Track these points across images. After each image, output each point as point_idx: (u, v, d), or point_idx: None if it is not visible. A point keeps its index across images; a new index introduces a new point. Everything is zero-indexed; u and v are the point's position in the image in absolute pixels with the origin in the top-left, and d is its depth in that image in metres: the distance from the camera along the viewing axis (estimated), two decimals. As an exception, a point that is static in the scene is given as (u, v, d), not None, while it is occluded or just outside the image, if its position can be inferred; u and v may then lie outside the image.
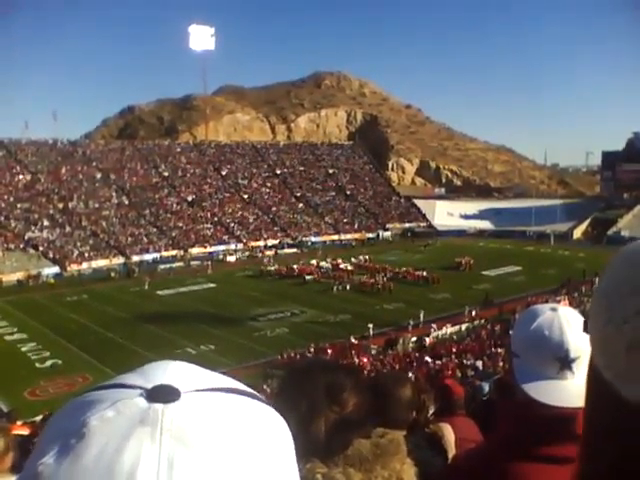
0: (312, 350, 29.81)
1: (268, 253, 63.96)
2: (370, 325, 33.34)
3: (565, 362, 1.51)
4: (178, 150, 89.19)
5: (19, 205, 65.36)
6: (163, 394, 0.57)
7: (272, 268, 53.31)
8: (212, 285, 49.05)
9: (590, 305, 0.66)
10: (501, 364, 21.14)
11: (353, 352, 29.39)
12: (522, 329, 1.61)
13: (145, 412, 0.55)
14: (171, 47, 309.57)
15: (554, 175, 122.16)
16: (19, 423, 8.16)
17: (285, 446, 0.64)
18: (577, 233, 74.35)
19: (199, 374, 0.64)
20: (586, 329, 1.53)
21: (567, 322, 1.55)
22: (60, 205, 67.82)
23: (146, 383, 0.60)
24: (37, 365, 30.30)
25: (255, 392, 0.67)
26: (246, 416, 0.61)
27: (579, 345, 1.49)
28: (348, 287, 45.54)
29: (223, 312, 38.94)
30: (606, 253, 56.19)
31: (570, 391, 1.47)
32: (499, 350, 25.80)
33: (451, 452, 2.40)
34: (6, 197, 66.03)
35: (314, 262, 54.51)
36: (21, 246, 57.97)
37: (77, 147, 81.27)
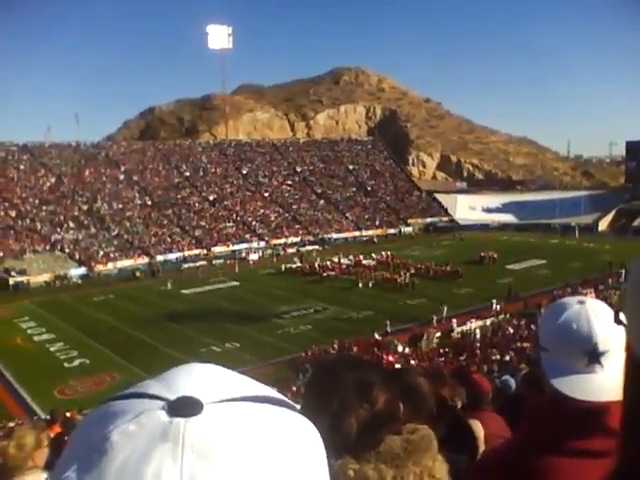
0: (336, 347, 29.84)
1: (290, 251, 64.24)
2: (387, 322, 33.30)
3: (594, 356, 1.49)
4: (199, 150, 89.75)
5: (44, 207, 66.37)
6: (185, 407, 0.55)
7: (295, 265, 53.50)
8: (235, 283, 49.31)
9: (627, 293, 0.64)
10: (527, 359, 20.96)
11: (376, 349, 29.37)
12: (550, 323, 1.60)
13: (167, 427, 0.54)
14: (190, 47, 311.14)
15: (578, 166, 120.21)
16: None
17: (317, 458, 0.61)
18: (602, 225, 73.18)
19: (225, 380, 0.61)
20: (618, 320, 1.52)
21: (595, 315, 1.53)
22: (85, 207, 68.73)
23: (169, 393, 0.58)
24: (66, 365, 30.80)
25: (286, 399, 0.64)
26: (274, 428, 0.58)
27: (608, 338, 1.48)
28: (371, 284, 45.49)
29: (247, 310, 39.13)
30: (632, 244, 55.35)
31: (599, 385, 1.46)
32: (525, 344, 25.57)
33: (481, 448, 2.39)
34: (31, 200, 67.11)
35: (335, 259, 54.54)
36: (47, 248, 58.87)
37: (100, 149, 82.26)
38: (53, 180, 72.14)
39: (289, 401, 0.64)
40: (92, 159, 78.23)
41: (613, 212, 75.24)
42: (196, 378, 0.60)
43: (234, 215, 74.72)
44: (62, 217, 65.30)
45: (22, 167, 72.42)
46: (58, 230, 62.53)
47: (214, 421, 0.55)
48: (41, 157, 75.25)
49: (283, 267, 53.31)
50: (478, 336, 31.81)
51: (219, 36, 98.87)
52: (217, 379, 0.61)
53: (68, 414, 12.65)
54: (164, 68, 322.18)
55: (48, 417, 11.28)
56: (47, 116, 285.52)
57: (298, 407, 0.65)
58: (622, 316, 1.35)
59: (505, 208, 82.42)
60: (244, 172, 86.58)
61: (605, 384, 1.45)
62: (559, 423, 1.47)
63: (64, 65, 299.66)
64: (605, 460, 1.26)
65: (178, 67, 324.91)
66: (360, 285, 45.27)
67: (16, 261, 54.58)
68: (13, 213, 63.82)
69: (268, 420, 0.58)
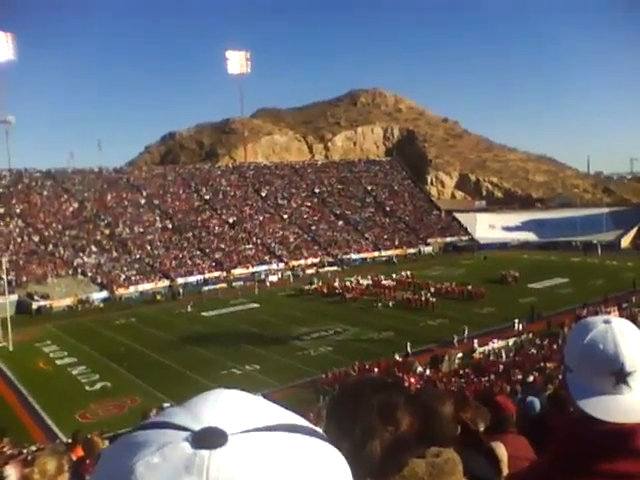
0: (356, 368, 29.60)
1: (309, 272, 64.26)
2: (409, 343, 33.03)
3: (621, 376, 1.46)
4: (218, 173, 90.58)
5: (67, 232, 67.23)
6: (209, 438, 0.55)
7: (312, 286, 53.60)
8: (255, 305, 49.35)
9: None
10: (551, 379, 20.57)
11: (397, 370, 29.07)
12: (575, 343, 1.57)
13: (191, 459, 0.53)
14: (209, 73, 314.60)
15: (598, 183, 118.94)
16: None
17: None
18: (625, 242, 72.20)
19: (251, 409, 0.60)
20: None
21: (621, 334, 1.49)
22: (107, 231, 69.53)
23: (193, 423, 0.57)
24: (87, 388, 30.92)
25: (313, 427, 0.63)
26: (300, 458, 0.57)
27: (635, 358, 1.45)
28: (391, 304, 45.25)
29: (267, 332, 39.10)
30: (657, 262, 54.40)
31: (627, 406, 1.43)
32: (549, 364, 25.12)
33: (504, 471, 2.35)
34: (55, 225, 68.09)
35: (354, 279, 54.38)
36: (70, 272, 59.54)
37: (121, 174, 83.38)
38: (76, 205, 73.18)
39: (316, 429, 0.63)
40: (114, 184, 79.29)
41: (635, 229, 74.24)
42: (221, 407, 0.59)
43: (253, 237, 75.08)
44: (84, 241, 66.08)
45: (45, 193, 73.64)
46: (80, 254, 63.26)
47: (239, 453, 0.54)
48: (64, 183, 76.46)
49: (307, 288, 53.29)
50: (503, 357, 31.35)
51: (237, 61, 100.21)
52: (242, 407, 0.60)
53: (89, 436, 12.68)
54: (184, 93, 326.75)
55: (69, 440, 11.33)
56: (70, 143, 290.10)
57: (324, 434, 0.64)
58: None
59: (525, 226, 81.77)
60: (263, 194, 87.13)
61: (633, 405, 1.42)
62: (586, 445, 1.44)
63: (86, 92, 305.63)
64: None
65: (198, 92, 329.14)
66: (380, 306, 45.05)
67: (39, 285, 55.26)
68: (36, 238, 64.78)
69: (294, 450, 0.57)
